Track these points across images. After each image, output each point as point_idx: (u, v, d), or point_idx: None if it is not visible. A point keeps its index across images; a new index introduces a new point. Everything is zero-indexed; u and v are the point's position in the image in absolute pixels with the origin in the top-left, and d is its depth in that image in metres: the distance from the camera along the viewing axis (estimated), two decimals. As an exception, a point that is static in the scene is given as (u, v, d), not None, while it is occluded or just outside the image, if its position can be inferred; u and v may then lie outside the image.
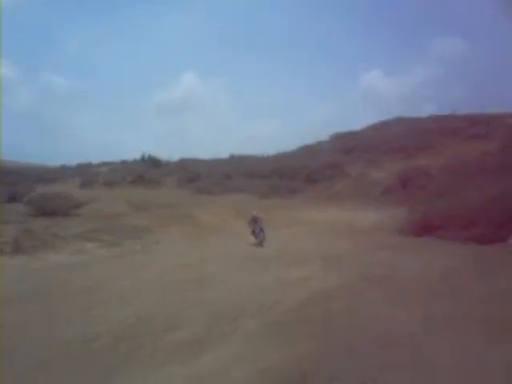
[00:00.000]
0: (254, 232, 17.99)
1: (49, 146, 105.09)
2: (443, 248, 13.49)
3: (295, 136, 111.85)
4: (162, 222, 22.72)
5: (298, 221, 21.36)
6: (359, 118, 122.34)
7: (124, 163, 48.92)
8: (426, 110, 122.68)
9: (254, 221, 18.23)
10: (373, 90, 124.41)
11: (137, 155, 49.26)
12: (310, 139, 59.70)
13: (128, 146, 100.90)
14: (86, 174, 39.64)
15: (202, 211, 24.78)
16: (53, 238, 18.41)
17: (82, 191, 29.85)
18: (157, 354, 7.99)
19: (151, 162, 44.78)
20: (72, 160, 54.48)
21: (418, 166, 27.39)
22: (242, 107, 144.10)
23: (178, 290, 11.92)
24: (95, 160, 52.53)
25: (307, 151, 47.11)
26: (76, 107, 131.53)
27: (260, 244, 17.48)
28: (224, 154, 55.97)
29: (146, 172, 39.37)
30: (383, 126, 49.69)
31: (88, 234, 19.74)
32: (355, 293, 9.57)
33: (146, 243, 18.96)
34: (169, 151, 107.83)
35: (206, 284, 12.18)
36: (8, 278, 13.94)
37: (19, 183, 27.74)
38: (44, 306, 11.28)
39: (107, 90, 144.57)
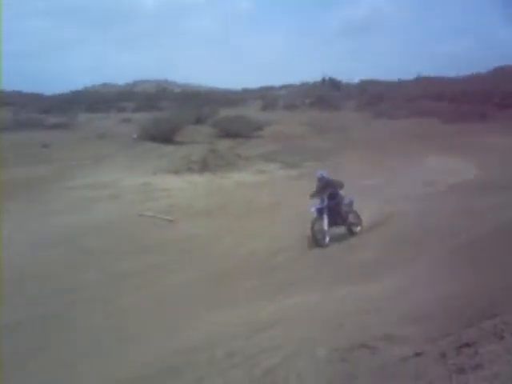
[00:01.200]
0: (319, 211, 9.96)
1: (231, 69, 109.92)
2: None
3: (490, 56, 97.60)
4: (340, 144, 22.21)
5: (485, 148, 19.00)
6: None
7: (304, 85, 48.78)
8: None
9: (323, 188, 10.25)
10: None
11: (317, 77, 48.57)
12: (507, 59, 51.48)
13: (308, 67, 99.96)
14: (267, 97, 40.48)
15: (380, 135, 23.61)
16: (236, 158, 19.44)
17: (263, 114, 30.62)
18: (335, 273, 7.99)
19: (331, 84, 43.79)
20: (254, 83, 56.31)
21: None
22: (430, 25, 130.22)
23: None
24: (276, 82, 53.31)
25: (503, 73, 40.82)
26: (257, 29, 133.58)
27: (322, 242, 9.71)
28: (410, 75, 51.96)
29: (326, 94, 38.58)
30: None
31: (269, 155, 20.32)
32: None
33: (326, 166, 18.85)
34: (350, 72, 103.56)
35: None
36: (197, 194, 15.23)
37: (205, 106, 29.43)
38: (229, 220, 12.08)
39: (283, 11, 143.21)
